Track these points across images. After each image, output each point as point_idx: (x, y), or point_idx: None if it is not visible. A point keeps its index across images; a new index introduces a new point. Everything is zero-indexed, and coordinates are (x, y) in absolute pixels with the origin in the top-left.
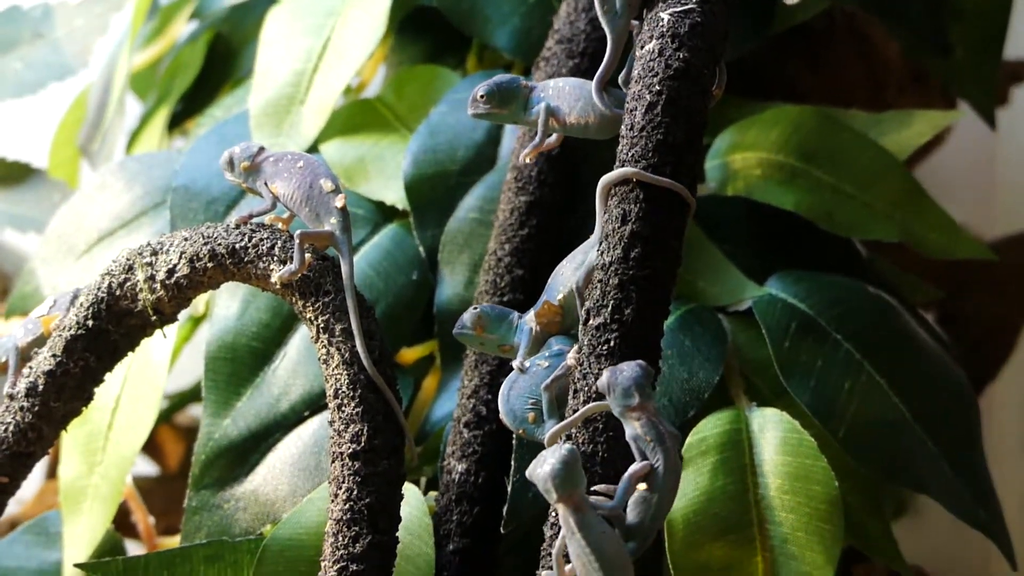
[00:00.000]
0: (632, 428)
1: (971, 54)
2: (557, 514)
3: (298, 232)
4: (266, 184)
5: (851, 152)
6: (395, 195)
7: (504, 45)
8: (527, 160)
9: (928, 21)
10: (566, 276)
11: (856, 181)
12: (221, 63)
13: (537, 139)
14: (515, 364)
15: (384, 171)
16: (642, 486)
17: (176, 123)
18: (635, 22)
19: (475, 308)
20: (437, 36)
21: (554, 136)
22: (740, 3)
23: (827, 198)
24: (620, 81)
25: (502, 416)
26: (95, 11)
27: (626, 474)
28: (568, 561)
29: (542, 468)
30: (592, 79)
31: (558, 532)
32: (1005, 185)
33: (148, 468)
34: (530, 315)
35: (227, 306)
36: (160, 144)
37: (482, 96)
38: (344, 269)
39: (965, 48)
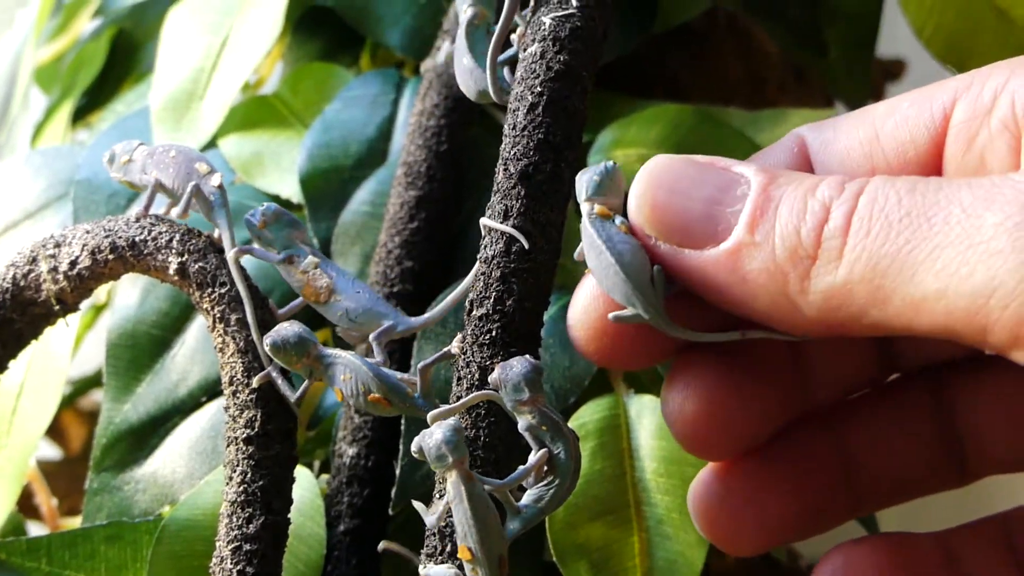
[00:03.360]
0: (525, 420)
1: (845, 53)
2: (444, 486)
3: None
4: (145, 175)
5: (727, 149)
6: (290, 189)
7: (396, 44)
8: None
9: (804, 21)
10: (363, 299)
11: None
12: (123, 59)
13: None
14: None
15: (280, 165)
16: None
17: (79, 116)
18: (519, 19)
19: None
20: (332, 35)
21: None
22: (623, 4)
23: None
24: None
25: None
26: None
27: (529, 460)
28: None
29: (432, 438)
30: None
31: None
32: None
33: (51, 452)
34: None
35: (128, 295)
36: (64, 137)
37: None
38: (226, 241)
39: (839, 47)
